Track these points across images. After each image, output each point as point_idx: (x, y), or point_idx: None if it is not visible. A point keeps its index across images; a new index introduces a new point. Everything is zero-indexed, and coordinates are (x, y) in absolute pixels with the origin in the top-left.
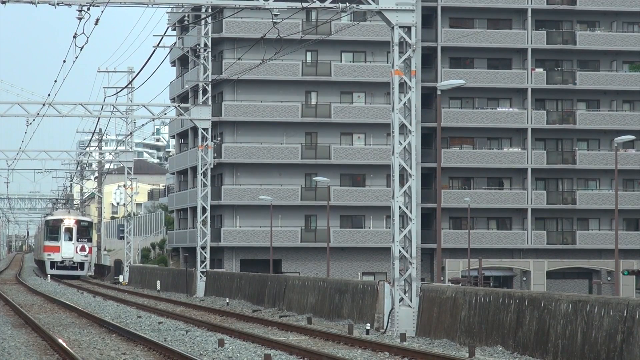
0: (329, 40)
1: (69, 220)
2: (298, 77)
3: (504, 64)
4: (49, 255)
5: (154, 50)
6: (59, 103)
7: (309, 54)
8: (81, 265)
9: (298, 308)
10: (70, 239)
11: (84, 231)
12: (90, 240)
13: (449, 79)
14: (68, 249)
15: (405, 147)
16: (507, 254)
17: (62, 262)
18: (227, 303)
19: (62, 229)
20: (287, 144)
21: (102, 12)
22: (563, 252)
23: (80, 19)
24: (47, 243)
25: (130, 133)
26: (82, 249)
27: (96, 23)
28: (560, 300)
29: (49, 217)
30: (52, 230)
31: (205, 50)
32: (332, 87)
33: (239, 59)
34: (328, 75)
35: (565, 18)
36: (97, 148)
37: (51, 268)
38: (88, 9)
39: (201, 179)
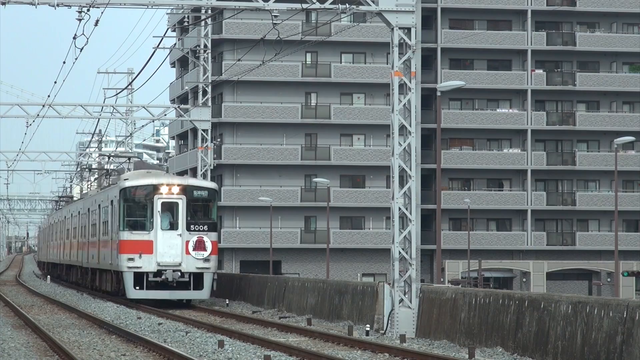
0: (329, 41)
1: (171, 187)
2: (298, 78)
3: (504, 65)
4: (131, 259)
5: (154, 52)
6: (58, 104)
7: (308, 55)
8: (197, 280)
9: (298, 309)
10: (174, 227)
11: (203, 210)
12: (214, 228)
13: (448, 80)
14: (171, 247)
15: (405, 148)
16: (507, 255)
17: (157, 273)
18: (227, 304)
19: (158, 205)
20: (286, 145)
21: (102, 13)
22: (563, 253)
23: (80, 20)
24: (126, 235)
25: (130, 134)
26: (200, 246)
27: (96, 24)
28: (560, 302)
29: (127, 183)
30: (135, 207)
31: (205, 51)
32: (332, 88)
33: (238, 60)
34: (328, 76)
35: (565, 19)
36: (97, 149)
37: (136, 286)
38: (88, 10)
39: None
